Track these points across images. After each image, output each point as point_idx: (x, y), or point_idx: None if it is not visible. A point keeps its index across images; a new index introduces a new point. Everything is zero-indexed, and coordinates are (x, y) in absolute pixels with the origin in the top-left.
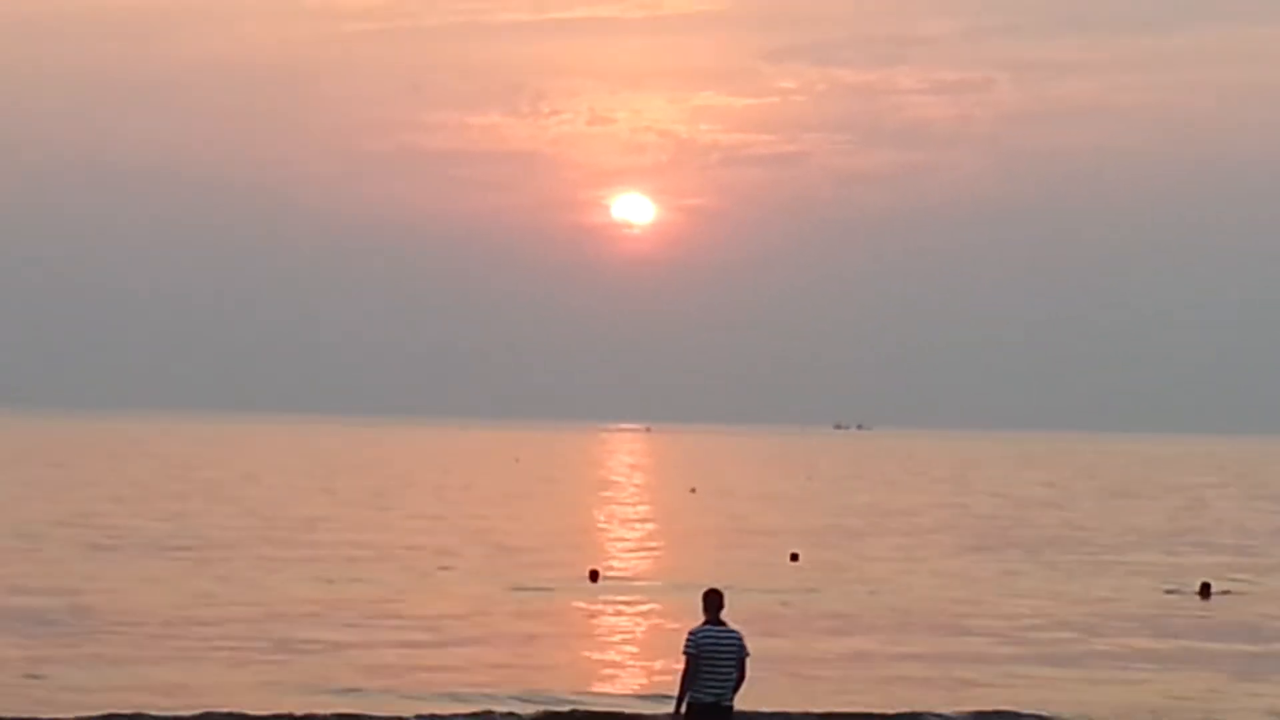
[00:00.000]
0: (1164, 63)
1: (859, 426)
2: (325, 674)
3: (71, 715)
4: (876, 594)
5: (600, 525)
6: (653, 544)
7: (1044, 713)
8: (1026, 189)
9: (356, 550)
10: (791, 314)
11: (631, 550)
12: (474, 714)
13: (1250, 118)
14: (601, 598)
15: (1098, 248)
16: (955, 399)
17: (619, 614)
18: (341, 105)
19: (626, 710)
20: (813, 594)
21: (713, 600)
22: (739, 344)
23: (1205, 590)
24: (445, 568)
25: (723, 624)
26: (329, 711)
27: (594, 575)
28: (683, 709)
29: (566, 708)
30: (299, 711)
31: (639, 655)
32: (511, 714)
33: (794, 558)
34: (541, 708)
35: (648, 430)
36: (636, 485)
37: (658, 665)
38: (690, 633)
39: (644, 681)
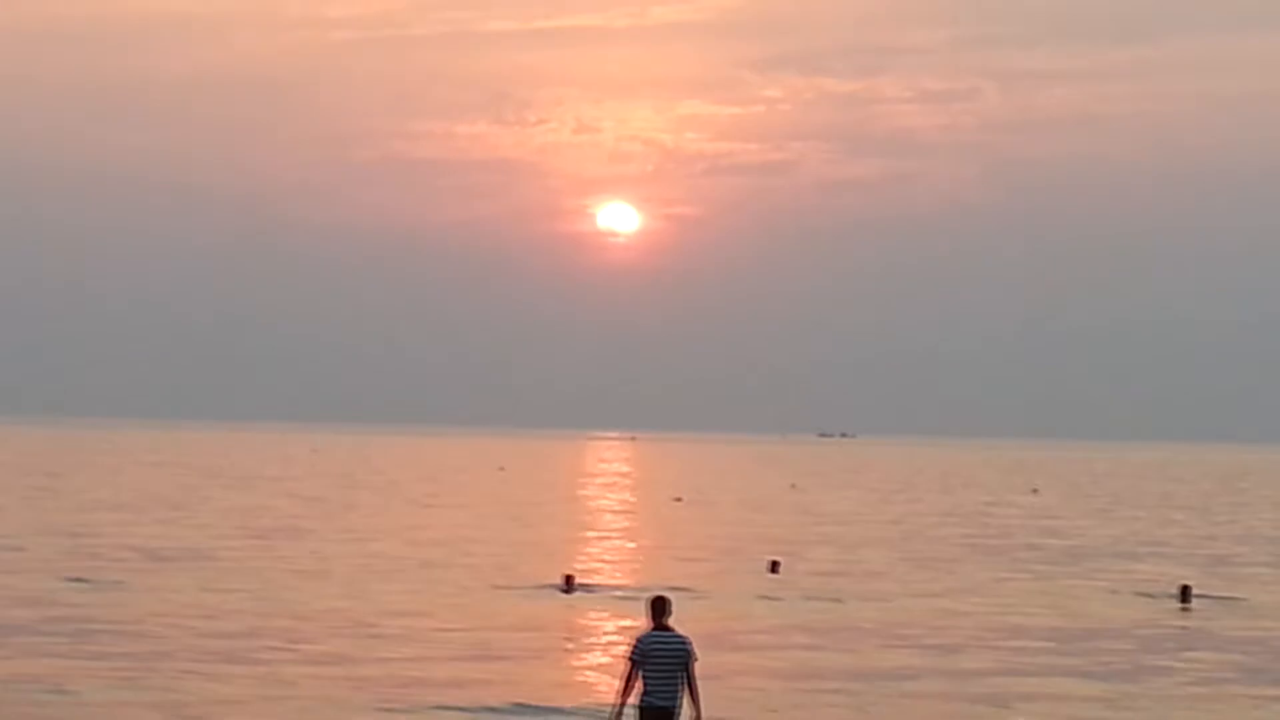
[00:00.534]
0: (1148, 72)
1: (843, 434)
2: (295, 686)
3: None
4: (861, 604)
5: (581, 534)
6: (633, 552)
7: None
8: (1012, 197)
9: (333, 559)
10: (777, 322)
11: (611, 558)
12: None
13: (1233, 126)
14: (572, 605)
15: (1082, 255)
16: (940, 407)
17: (586, 621)
18: (328, 114)
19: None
20: (787, 603)
21: (659, 606)
22: (724, 352)
23: (1185, 594)
24: (421, 575)
25: (669, 629)
26: None
27: (568, 581)
28: (620, 713)
29: (520, 714)
30: None
31: (599, 664)
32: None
33: (774, 567)
34: (495, 714)
35: (633, 439)
36: (620, 494)
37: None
38: (636, 638)
39: (601, 689)
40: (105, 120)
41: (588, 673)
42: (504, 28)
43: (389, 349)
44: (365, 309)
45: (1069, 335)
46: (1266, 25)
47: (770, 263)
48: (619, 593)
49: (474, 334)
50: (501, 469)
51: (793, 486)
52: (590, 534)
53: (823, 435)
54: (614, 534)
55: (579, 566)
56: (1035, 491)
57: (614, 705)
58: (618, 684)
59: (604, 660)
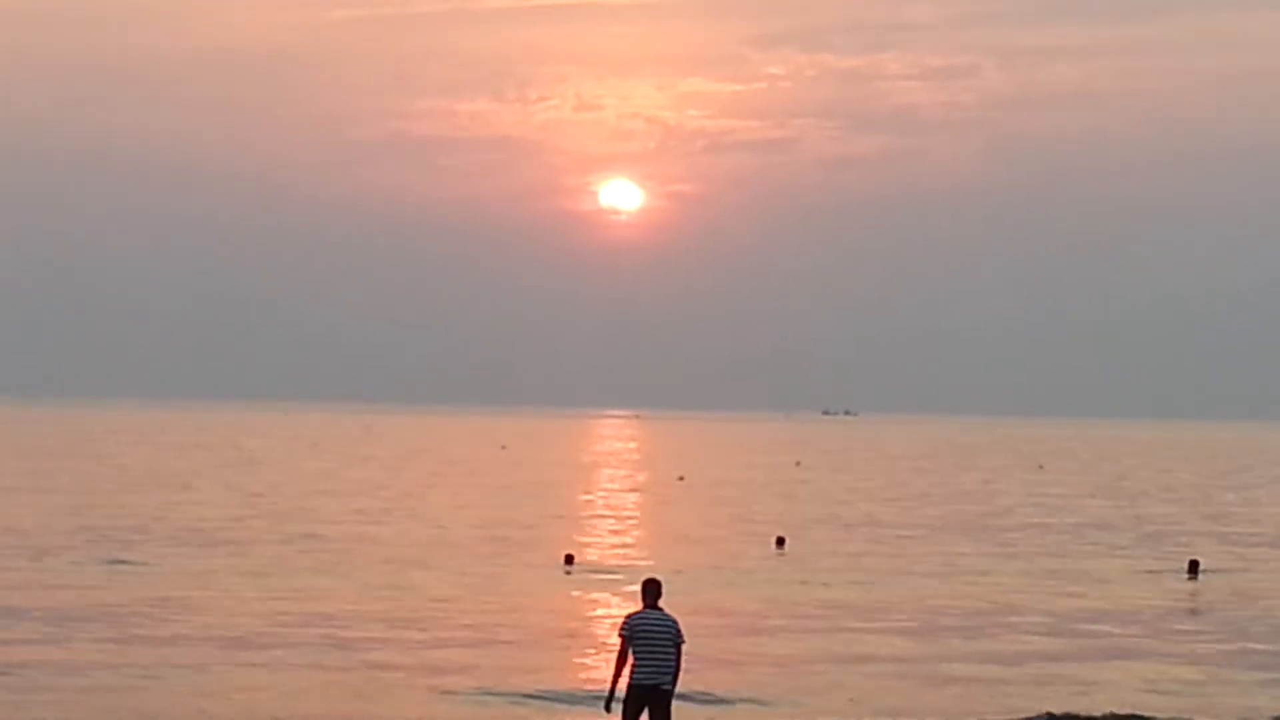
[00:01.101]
0: (1150, 48)
1: (847, 412)
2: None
3: None
4: (866, 584)
5: (584, 512)
6: (637, 530)
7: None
8: (1014, 173)
9: (336, 538)
10: (779, 300)
11: (614, 537)
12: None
13: (1234, 102)
14: (573, 583)
15: (1084, 231)
16: (944, 384)
17: (584, 600)
18: (329, 92)
19: (570, 699)
20: (793, 580)
21: (650, 589)
22: (727, 330)
23: (1194, 569)
24: (424, 553)
25: (659, 610)
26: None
27: (569, 560)
28: (616, 690)
29: (510, 697)
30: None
31: (596, 646)
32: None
33: (780, 543)
34: (491, 695)
35: (636, 417)
36: (624, 472)
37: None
38: (626, 617)
39: (594, 669)
40: (105, 100)
41: (584, 656)
42: (504, 4)
43: (390, 329)
44: (366, 288)
45: (1071, 311)
46: (1266, 2)
47: (772, 240)
48: (619, 574)
49: (476, 313)
50: (504, 448)
51: (798, 464)
52: (592, 513)
53: (826, 413)
54: (616, 514)
55: (580, 546)
56: (1041, 468)
57: (610, 686)
58: (613, 663)
59: (601, 641)
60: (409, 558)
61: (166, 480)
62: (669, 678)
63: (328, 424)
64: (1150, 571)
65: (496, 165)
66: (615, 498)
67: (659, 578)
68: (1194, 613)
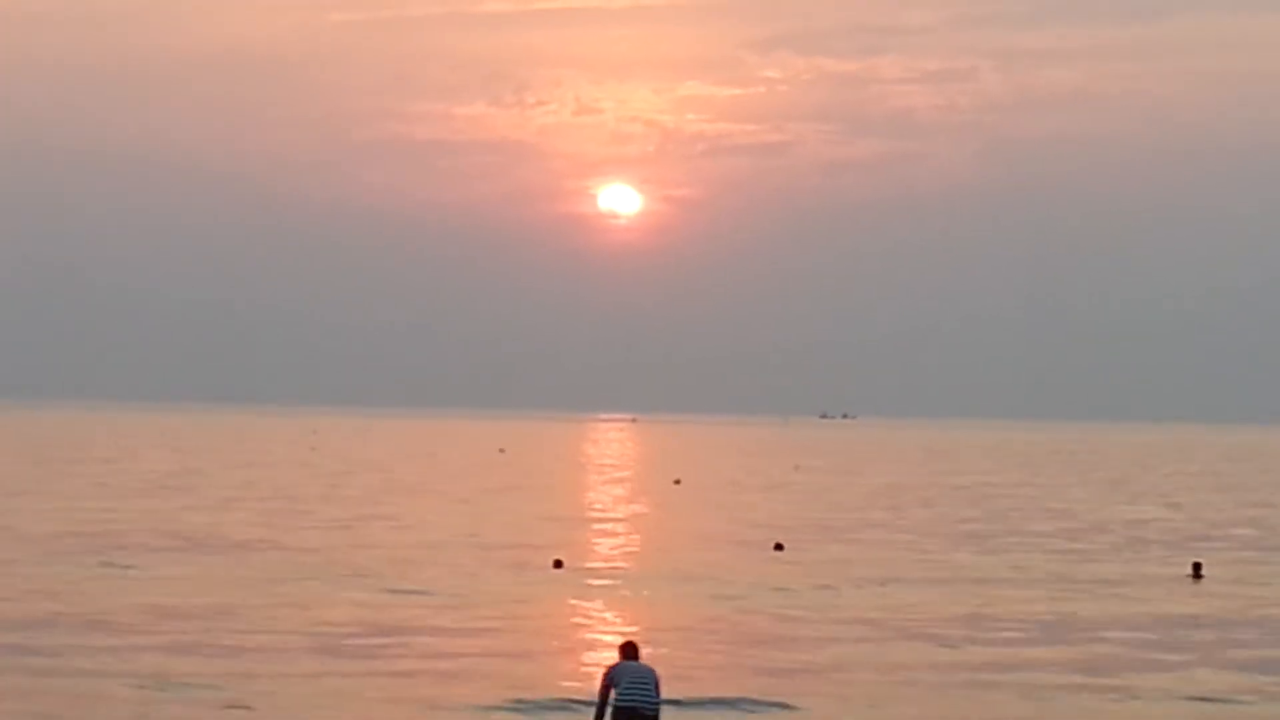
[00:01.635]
0: (1146, 51)
1: (845, 415)
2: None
3: None
4: (867, 589)
5: (579, 516)
6: (631, 536)
7: None
8: (1011, 176)
9: (327, 543)
10: (777, 303)
11: (610, 539)
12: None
13: (1231, 105)
14: (564, 589)
15: (1083, 234)
16: (941, 388)
17: (571, 606)
18: (327, 95)
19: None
20: (794, 586)
21: (628, 651)
22: (725, 334)
23: (1197, 571)
24: (418, 555)
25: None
26: None
27: (558, 565)
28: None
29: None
30: None
31: (588, 653)
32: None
33: (779, 548)
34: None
35: (634, 420)
36: (621, 476)
37: (599, 655)
38: (608, 668)
39: (582, 673)
40: (105, 100)
41: (578, 662)
42: (503, 8)
43: (388, 332)
44: (364, 290)
45: (1071, 314)
46: (1264, 4)
47: (770, 243)
48: (610, 579)
49: (474, 317)
50: (501, 451)
51: (796, 468)
52: (587, 517)
53: (824, 417)
54: (611, 518)
55: (573, 550)
56: (1038, 471)
57: (595, 712)
58: (596, 700)
59: (593, 645)
60: (403, 560)
61: (167, 482)
62: (654, 706)
63: (327, 427)
64: (1154, 574)
65: (495, 168)
66: (612, 502)
67: (635, 641)
68: (1198, 616)
